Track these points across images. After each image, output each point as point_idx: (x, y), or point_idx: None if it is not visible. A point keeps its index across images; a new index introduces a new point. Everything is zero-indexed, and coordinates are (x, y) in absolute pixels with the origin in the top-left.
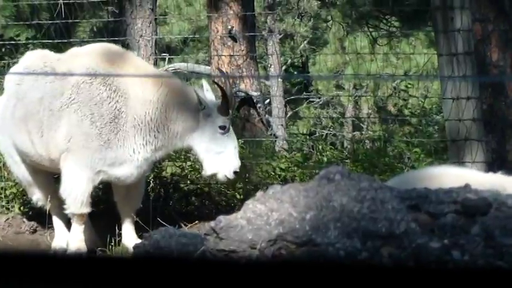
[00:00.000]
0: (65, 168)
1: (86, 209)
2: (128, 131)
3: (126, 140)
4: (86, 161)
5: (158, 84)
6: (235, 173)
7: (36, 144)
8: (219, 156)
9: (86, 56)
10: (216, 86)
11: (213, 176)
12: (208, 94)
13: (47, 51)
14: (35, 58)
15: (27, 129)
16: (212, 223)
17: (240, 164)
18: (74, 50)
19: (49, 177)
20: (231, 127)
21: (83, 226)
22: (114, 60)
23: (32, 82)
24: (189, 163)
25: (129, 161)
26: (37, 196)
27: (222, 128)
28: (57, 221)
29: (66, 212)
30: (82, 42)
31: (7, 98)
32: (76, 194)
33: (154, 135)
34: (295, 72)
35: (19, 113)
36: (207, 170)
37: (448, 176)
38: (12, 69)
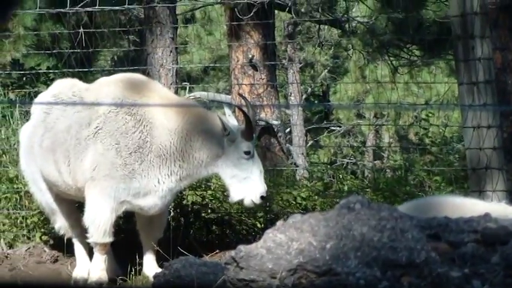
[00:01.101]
0: (89, 197)
1: (109, 239)
2: (153, 160)
3: (151, 170)
4: (110, 190)
5: (182, 113)
6: (261, 197)
7: (63, 174)
8: (245, 182)
9: (112, 85)
10: (238, 110)
11: (240, 201)
12: (231, 119)
13: (76, 80)
14: (64, 87)
15: (54, 158)
16: (232, 252)
17: (266, 189)
18: (101, 80)
19: (72, 205)
20: (255, 152)
21: (105, 256)
22: (140, 89)
23: (60, 112)
24: (209, 192)
25: (153, 192)
26: (59, 224)
27: (247, 153)
28: (78, 250)
29: (89, 240)
30: (103, 71)
31: (34, 125)
32: (99, 223)
33: (180, 165)
34: (316, 101)
35: (47, 142)
36: (234, 197)
37: (449, 205)
38: (40, 96)
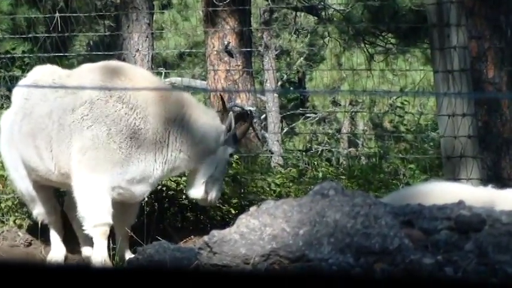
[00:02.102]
0: (80, 182)
1: (108, 218)
2: (149, 147)
3: (148, 156)
4: (104, 175)
5: (181, 104)
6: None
7: (45, 159)
8: (215, 183)
9: (97, 72)
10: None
11: (197, 198)
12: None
13: (55, 67)
14: (44, 73)
15: (35, 144)
16: (206, 237)
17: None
18: (84, 67)
19: (50, 192)
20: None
21: (106, 242)
22: (125, 76)
23: (40, 97)
24: (184, 178)
25: (147, 178)
26: (37, 211)
27: (231, 155)
28: (54, 235)
29: (86, 230)
30: (78, 56)
31: (14, 112)
32: (97, 204)
33: (175, 156)
34: (291, 88)
35: (26, 128)
36: (196, 193)
37: (443, 192)
38: (20, 83)
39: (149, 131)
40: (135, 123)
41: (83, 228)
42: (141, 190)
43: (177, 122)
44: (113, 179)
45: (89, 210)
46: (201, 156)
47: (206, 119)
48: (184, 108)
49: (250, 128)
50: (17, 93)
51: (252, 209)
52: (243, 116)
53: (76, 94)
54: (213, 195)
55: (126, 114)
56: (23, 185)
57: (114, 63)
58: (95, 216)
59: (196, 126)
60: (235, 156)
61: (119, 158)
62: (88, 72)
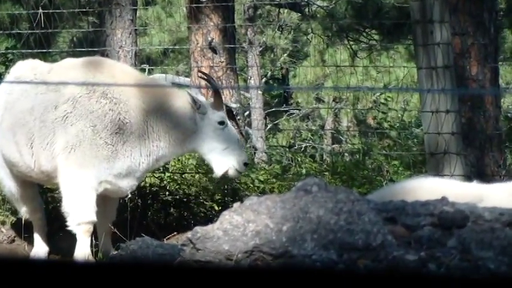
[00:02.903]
0: (65, 178)
1: (93, 217)
2: (135, 141)
3: (134, 151)
4: (91, 170)
5: (153, 93)
6: (245, 164)
7: (24, 155)
8: (225, 153)
9: (79, 68)
10: (205, 90)
11: (225, 175)
12: (199, 96)
13: (38, 62)
14: (26, 69)
15: (15, 140)
16: (189, 234)
17: (247, 155)
18: (66, 62)
19: (36, 189)
20: (228, 121)
21: (89, 239)
22: (108, 71)
23: (21, 92)
24: (168, 174)
25: (133, 172)
26: (24, 209)
27: (221, 123)
28: (37, 232)
29: (71, 226)
30: (61, 53)
31: None
32: (81, 201)
33: (157, 145)
34: (275, 85)
35: (6, 123)
36: (218, 171)
37: (431, 188)
38: (4, 79)
39: (133, 125)
40: (119, 118)
41: (67, 224)
42: (128, 184)
43: (153, 112)
44: (99, 175)
45: (73, 208)
46: (184, 139)
47: (179, 102)
48: (160, 97)
49: (234, 124)
50: (0, 91)
51: (236, 205)
52: (227, 113)
53: (58, 91)
54: (235, 164)
55: (110, 110)
56: (11, 184)
57: (94, 58)
58: (80, 213)
59: (170, 112)
60: None
61: (105, 154)
62: (69, 68)
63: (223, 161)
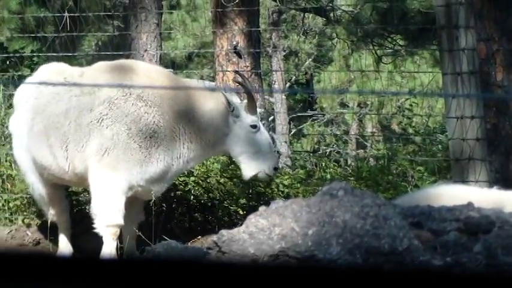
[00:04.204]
0: (96, 181)
1: (121, 220)
2: (168, 144)
3: (167, 155)
4: (123, 174)
5: (186, 94)
6: (275, 169)
7: (58, 158)
8: (256, 156)
9: (115, 70)
10: (239, 85)
11: (254, 177)
12: (233, 97)
13: (63, 65)
14: (52, 72)
15: (49, 143)
16: (215, 237)
17: (278, 159)
18: (98, 65)
19: (63, 192)
20: (261, 124)
21: (116, 243)
22: (144, 73)
23: (52, 95)
24: (192, 178)
25: (164, 176)
26: (53, 211)
27: (253, 127)
28: (62, 235)
29: (97, 229)
30: (87, 56)
31: (24, 113)
32: (110, 204)
33: (188, 147)
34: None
35: (39, 126)
36: (247, 174)
37: (453, 194)
38: (26, 82)
39: (166, 129)
40: (154, 121)
41: (93, 226)
42: (159, 187)
43: (186, 114)
44: (131, 179)
45: (102, 210)
46: (215, 141)
47: (212, 104)
48: (194, 98)
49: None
50: (24, 94)
51: (261, 208)
52: None
53: (94, 94)
54: (264, 168)
55: (145, 112)
56: (41, 188)
57: (128, 61)
58: (108, 216)
59: (202, 113)
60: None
61: (138, 158)
62: (103, 71)
63: (253, 165)
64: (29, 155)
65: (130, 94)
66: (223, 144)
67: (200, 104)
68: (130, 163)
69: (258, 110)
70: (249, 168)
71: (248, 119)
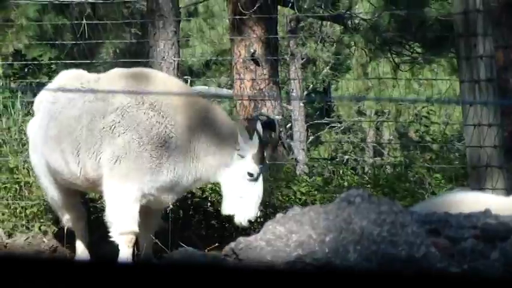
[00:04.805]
0: (109, 188)
1: (135, 227)
2: (179, 157)
3: (177, 166)
4: (135, 182)
5: (203, 114)
6: (249, 221)
7: (69, 163)
8: (239, 200)
9: (130, 78)
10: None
11: (231, 216)
12: (245, 139)
13: (82, 71)
14: (70, 78)
15: (61, 148)
16: (232, 244)
17: (256, 214)
18: (114, 72)
19: (78, 197)
20: (261, 176)
21: (131, 250)
22: (160, 84)
23: (67, 100)
24: (209, 185)
25: (175, 187)
26: (67, 217)
27: (250, 175)
28: (80, 241)
29: (113, 237)
30: (105, 64)
31: (41, 118)
32: (124, 211)
33: (195, 166)
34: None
35: (53, 131)
36: (225, 209)
37: (472, 201)
38: (44, 90)
39: (178, 140)
40: (165, 131)
41: (109, 234)
42: (170, 197)
43: (197, 131)
44: (143, 187)
45: (116, 218)
46: (217, 168)
47: (224, 130)
48: (206, 117)
49: (276, 137)
50: (42, 99)
51: (279, 215)
52: (270, 125)
53: (107, 100)
54: (240, 215)
55: (157, 122)
56: (54, 192)
57: (145, 70)
58: (122, 224)
59: (211, 136)
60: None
61: (149, 167)
62: (119, 78)
63: (233, 206)
64: (43, 159)
65: (143, 103)
66: (220, 175)
67: (214, 128)
68: (141, 172)
69: (276, 117)
70: (229, 207)
71: (250, 165)
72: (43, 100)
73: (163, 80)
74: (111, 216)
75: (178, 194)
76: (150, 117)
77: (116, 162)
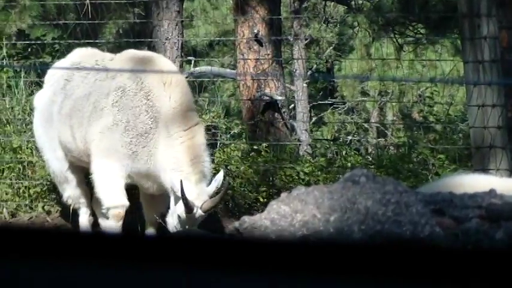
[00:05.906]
0: (95, 165)
1: (122, 201)
2: (157, 148)
3: (153, 157)
4: (115, 163)
5: (186, 127)
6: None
7: (76, 139)
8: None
9: (139, 62)
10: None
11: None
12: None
13: (95, 50)
14: (84, 55)
15: (70, 124)
16: (236, 223)
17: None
18: (127, 53)
19: (83, 175)
20: (194, 221)
21: (120, 224)
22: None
23: (81, 79)
24: (212, 165)
25: (152, 176)
26: (68, 193)
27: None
28: (83, 220)
29: (103, 209)
30: (108, 44)
31: (53, 92)
32: (109, 185)
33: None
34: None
35: (66, 109)
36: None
37: (476, 183)
38: (58, 64)
39: (160, 134)
40: (149, 122)
41: (102, 208)
42: (149, 184)
43: (171, 139)
44: (122, 169)
45: (104, 192)
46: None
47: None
48: (186, 133)
49: (279, 117)
50: (55, 74)
51: (283, 195)
52: (273, 106)
53: (112, 79)
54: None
55: (145, 111)
56: (57, 166)
57: (154, 55)
58: (110, 198)
59: (167, 157)
60: (264, 145)
61: (126, 152)
62: (127, 60)
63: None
64: (54, 134)
65: (141, 89)
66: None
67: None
68: (120, 154)
69: (279, 98)
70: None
71: (179, 208)
72: (56, 74)
73: (167, 69)
74: (99, 191)
75: (160, 185)
76: (142, 105)
77: (101, 139)
